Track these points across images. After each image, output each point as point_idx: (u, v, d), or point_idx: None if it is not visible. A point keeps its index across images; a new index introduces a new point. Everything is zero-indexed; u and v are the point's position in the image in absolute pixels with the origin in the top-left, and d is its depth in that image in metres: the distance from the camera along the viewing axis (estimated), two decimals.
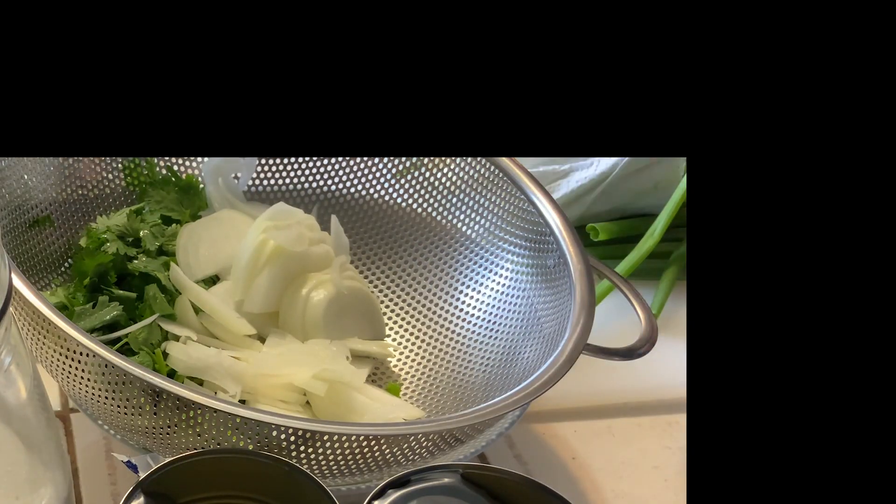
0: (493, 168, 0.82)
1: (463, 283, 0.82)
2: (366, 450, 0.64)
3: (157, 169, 0.83)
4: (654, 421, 0.82)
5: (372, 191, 0.85)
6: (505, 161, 0.82)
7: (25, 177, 0.77)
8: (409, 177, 0.84)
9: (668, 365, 0.84)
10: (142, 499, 0.56)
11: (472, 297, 0.81)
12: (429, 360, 0.81)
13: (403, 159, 0.84)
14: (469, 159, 0.83)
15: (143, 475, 0.57)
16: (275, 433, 0.63)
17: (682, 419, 0.82)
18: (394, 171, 0.84)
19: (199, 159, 0.84)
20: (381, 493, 0.58)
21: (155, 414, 0.64)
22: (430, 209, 0.84)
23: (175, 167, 0.83)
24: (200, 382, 0.71)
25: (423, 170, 0.84)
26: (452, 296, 0.82)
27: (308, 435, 0.63)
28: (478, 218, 0.83)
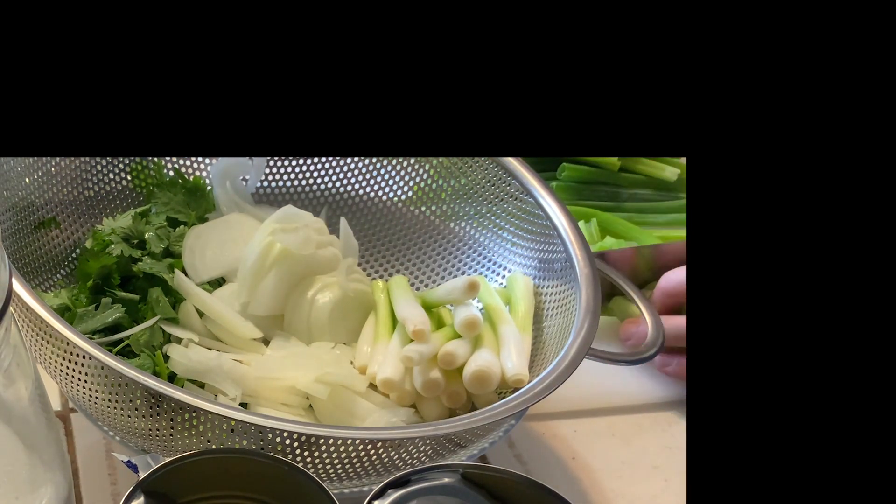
0: (499, 170, 0.81)
1: None
2: (363, 454, 0.64)
3: (165, 171, 0.83)
4: (654, 421, 0.82)
5: (381, 193, 0.85)
6: (511, 162, 0.81)
7: (27, 179, 0.77)
8: (415, 177, 0.84)
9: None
10: (142, 499, 0.56)
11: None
12: None
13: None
14: (475, 160, 0.82)
15: (143, 475, 0.57)
16: (273, 437, 0.62)
17: (682, 419, 0.82)
18: (408, 181, 0.84)
19: (207, 161, 0.84)
20: (381, 493, 0.58)
21: (154, 417, 0.64)
22: (438, 211, 0.84)
23: (182, 169, 0.83)
24: (202, 385, 0.71)
25: (429, 170, 0.84)
26: None
27: (305, 439, 0.62)
28: (485, 221, 0.83)
